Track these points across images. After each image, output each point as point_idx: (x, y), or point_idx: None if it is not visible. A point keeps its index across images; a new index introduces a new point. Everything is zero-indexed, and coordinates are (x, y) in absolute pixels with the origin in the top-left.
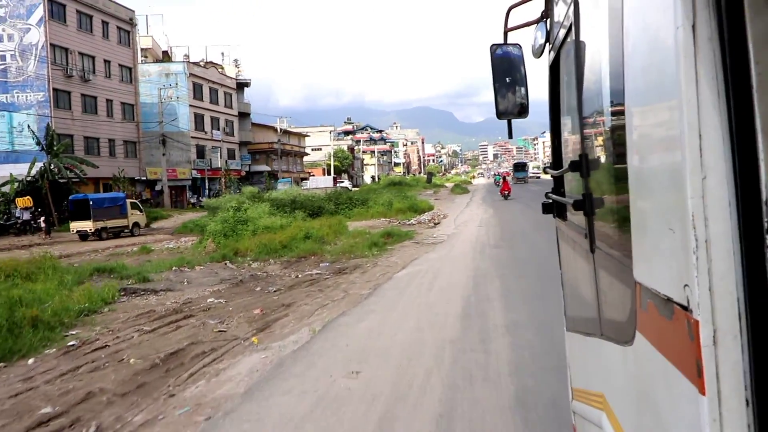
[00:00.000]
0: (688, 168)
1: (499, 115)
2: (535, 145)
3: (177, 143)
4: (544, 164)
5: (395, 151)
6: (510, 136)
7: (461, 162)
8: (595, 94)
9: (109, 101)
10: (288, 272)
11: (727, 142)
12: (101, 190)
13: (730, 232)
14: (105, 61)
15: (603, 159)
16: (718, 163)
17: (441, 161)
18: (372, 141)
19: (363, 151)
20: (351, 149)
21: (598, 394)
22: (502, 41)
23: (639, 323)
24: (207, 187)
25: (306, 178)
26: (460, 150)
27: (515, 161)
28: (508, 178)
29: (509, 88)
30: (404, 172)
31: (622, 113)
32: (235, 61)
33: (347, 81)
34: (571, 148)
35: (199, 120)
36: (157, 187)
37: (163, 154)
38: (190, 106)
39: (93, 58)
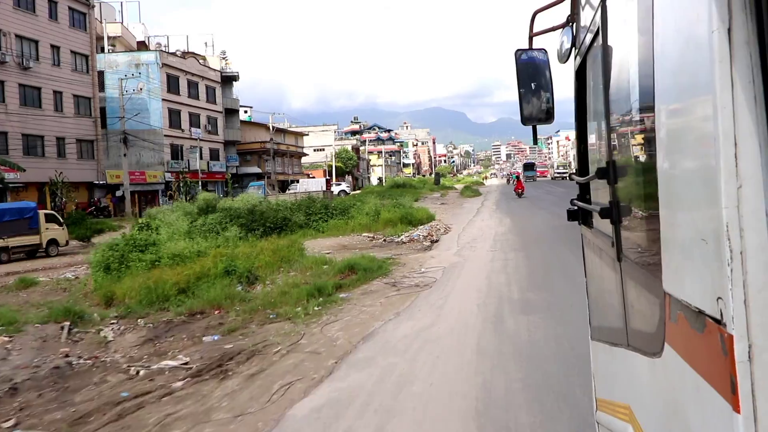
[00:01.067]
0: (723, 176)
1: (524, 120)
2: (548, 144)
3: (147, 142)
4: (560, 168)
5: (405, 152)
6: (535, 141)
7: (474, 162)
8: (624, 99)
9: (57, 93)
10: (130, 360)
11: (764, 149)
12: (46, 196)
13: (767, 244)
14: (52, 46)
15: (631, 166)
16: (755, 171)
17: (453, 162)
18: (380, 141)
19: (369, 152)
20: (356, 149)
21: (623, 406)
22: (526, 46)
23: (668, 335)
24: (184, 191)
25: (296, 181)
26: (473, 150)
27: (525, 162)
28: (521, 177)
29: (534, 94)
30: (414, 173)
31: (651, 119)
32: (222, 52)
33: (360, 83)
34: (597, 155)
35: (174, 116)
36: (118, 192)
37: (125, 155)
38: (164, 100)
39: (36, 42)
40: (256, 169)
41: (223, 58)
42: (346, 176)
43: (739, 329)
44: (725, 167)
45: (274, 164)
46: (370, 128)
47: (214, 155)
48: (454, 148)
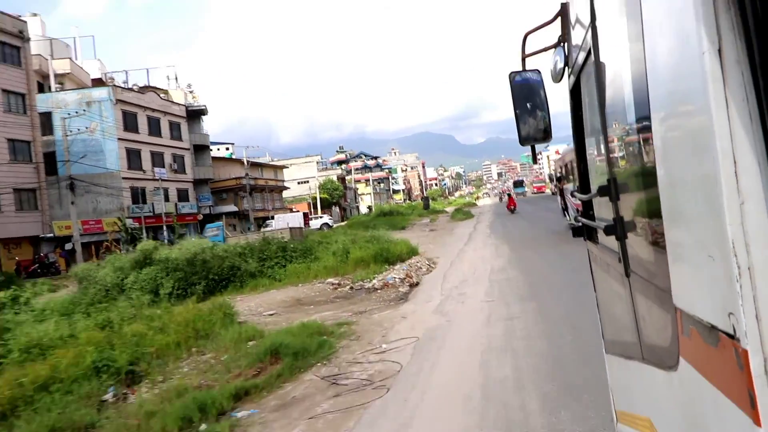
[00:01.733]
0: (725, 194)
1: (522, 141)
2: (539, 160)
3: (101, 187)
4: (553, 183)
5: (394, 178)
6: (534, 161)
7: (465, 183)
8: (620, 117)
9: None
10: None
11: (764, 165)
12: None
13: None
14: None
15: (632, 183)
16: (756, 187)
17: (444, 184)
18: (367, 169)
19: (357, 180)
20: (342, 179)
21: (644, 419)
22: (519, 68)
23: (682, 349)
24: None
25: (271, 217)
26: (464, 171)
27: (515, 180)
28: (512, 194)
29: (531, 114)
30: (405, 199)
31: (649, 137)
32: (188, 86)
33: (347, 113)
34: (598, 172)
35: (133, 156)
36: (68, 245)
37: (72, 202)
38: (121, 140)
39: None
40: (232, 208)
41: (190, 92)
42: (333, 207)
43: (753, 344)
44: (726, 185)
45: (252, 201)
46: (356, 156)
47: (182, 196)
48: (445, 171)
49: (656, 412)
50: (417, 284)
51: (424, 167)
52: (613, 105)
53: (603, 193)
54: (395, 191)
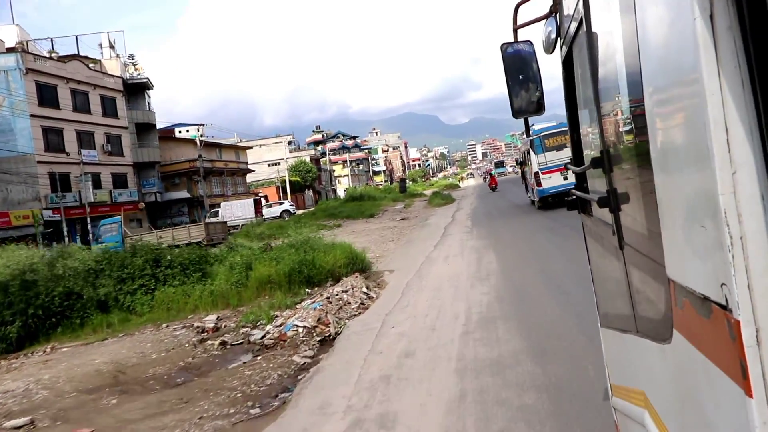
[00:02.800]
0: (717, 164)
1: (515, 113)
2: (523, 138)
3: (11, 175)
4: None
5: (374, 159)
6: (527, 134)
7: (450, 164)
8: (613, 88)
9: None
10: None
11: (756, 134)
12: None
13: (766, 228)
14: None
15: (625, 154)
16: (748, 157)
17: (428, 165)
18: (345, 149)
19: (334, 161)
20: (316, 160)
21: (638, 392)
22: (511, 39)
23: (676, 321)
24: (75, 230)
25: (217, 206)
26: (448, 152)
27: (495, 161)
28: (494, 173)
29: (523, 86)
30: (386, 181)
31: (641, 107)
32: (131, 56)
33: (331, 94)
34: (591, 144)
35: (53, 136)
36: None
37: None
38: (35, 116)
39: None
40: (184, 194)
41: (132, 63)
42: (306, 191)
43: (746, 314)
44: (718, 154)
45: (208, 186)
46: (333, 136)
47: (120, 182)
48: (429, 151)
49: (650, 385)
50: (332, 338)
51: (406, 147)
52: (606, 76)
53: (596, 165)
54: (376, 173)
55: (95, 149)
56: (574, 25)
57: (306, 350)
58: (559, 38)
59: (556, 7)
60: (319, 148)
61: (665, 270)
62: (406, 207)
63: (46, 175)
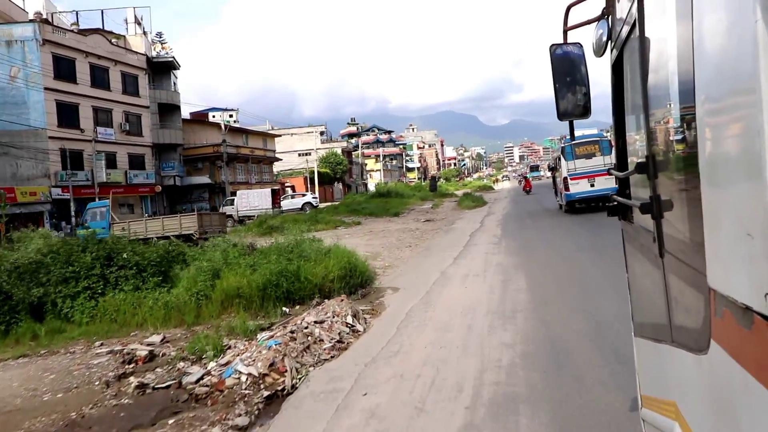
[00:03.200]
0: None
1: (560, 116)
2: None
3: (19, 149)
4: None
5: (408, 155)
6: (572, 137)
7: (486, 165)
8: (663, 92)
9: None
10: None
11: None
12: None
13: None
14: None
15: (672, 160)
16: None
17: (464, 164)
18: (379, 144)
19: (366, 155)
20: (348, 153)
21: (670, 403)
22: (561, 41)
23: (714, 332)
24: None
25: (233, 194)
26: (485, 152)
27: (531, 165)
28: (529, 177)
29: (570, 89)
30: (420, 178)
31: (692, 112)
32: (158, 34)
33: (370, 88)
34: (636, 149)
35: (67, 111)
36: None
37: None
38: (49, 90)
39: None
40: (205, 179)
41: (159, 41)
42: (336, 184)
43: None
44: None
45: (231, 172)
46: (368, 130)
47: (136, 163)
48: (465, 150)
49: (683, 396)
50: (288, 393)
51: (442, 145)
52: (657, 81)
53: (641, 171)
54: (409, 169)
55: (112, 127)
56: (626, 29)
57: (239, 414)
58: (609, 41)
59: (609, 10)
60: (353, 140)
61: (706, 279)
62: (434, 207)
63: (57, 152)
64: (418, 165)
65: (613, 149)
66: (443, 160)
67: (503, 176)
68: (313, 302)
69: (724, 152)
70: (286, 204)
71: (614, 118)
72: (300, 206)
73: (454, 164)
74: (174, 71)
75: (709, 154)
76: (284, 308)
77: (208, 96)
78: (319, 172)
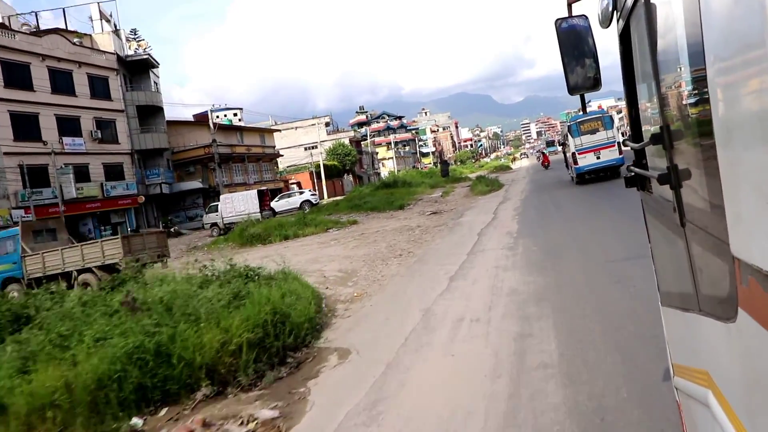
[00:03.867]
0: None
1: (571, 90)
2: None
3: None
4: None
5: (422, 140)
6: (584, 110)
7: (503, 144)
8: (673, 60)
9: None
10: None
11: None
12: None
13: None
14: None
15: (686, 128)
16: None
17: (480, 145)
18: (390, 130)
19: (377, 143)
20: (356, 142)
21: (701, 372)
22: (566, 14)
23: (741, 300)
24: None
25: (214, 201)
26: (501, 131)
27: (547, 140)
28: (546, 152)
29: (578, 62)
30: (435, 162)
31: (703, 80)
32: (133, 31)
33: (382, 76)
34: (650, 119)
35: (25, 123)
36: None
37: None
38: (1, 100)
39: None
40: (196, 184)
41: (135, 38)
42: (345, 176)
43: None
44: None
45: (225, 173)
46: (378, 117)
47: (113, 173)
48: (481, 131)
49: (714, 365)
50: None
51: (457, 127)
52: (665, 48)
53: (656, 141)
54: (424, 155)
55: (81, 136)
56: None
57: None
58: (615, 11)
59: None
60: (363, 129)
61: (729, 247)
62: (443, 195)
63: (15, 168)
64: (433, 149)
65: (619, 121)
66: (459, 143)
67: (521, 154)
68: (196, 396)
69: (738, 118)
70: (282, 204)
71: (625, 89)
72: (298, 205)
73: (471, 146)
74: (153, 70)
75: (722, 121)
76: (135, 418)
77: (221, 97)
78: (326, 166)
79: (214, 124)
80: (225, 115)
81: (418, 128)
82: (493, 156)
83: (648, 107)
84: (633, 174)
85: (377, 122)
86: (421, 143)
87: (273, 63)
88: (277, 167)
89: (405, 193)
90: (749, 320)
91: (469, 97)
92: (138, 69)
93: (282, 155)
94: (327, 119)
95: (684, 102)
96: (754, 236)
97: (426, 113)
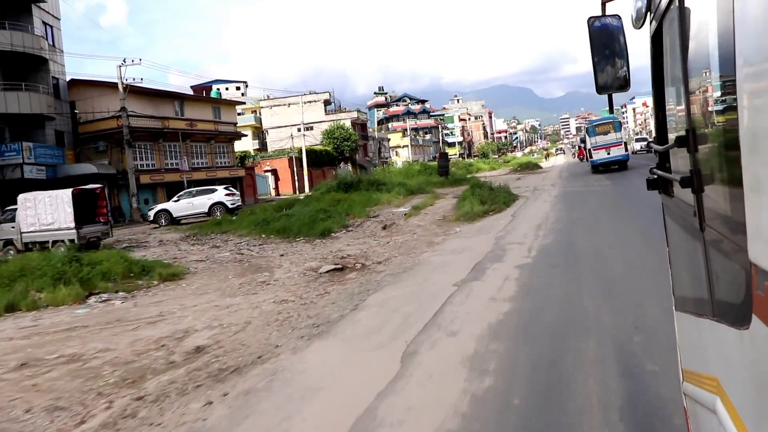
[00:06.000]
0: None
1: (599, 89)
2: (623, 113)
3: None
4: (648, 139)
5: (448, 128)
6: (611, 111)
7: (541, 137)
8: (703, 64)
9: None
10: None
11: None
12: None
13: None
14: None
15: (712, 133)
16: None
17: (516, 138)
18: (410, 115)
19: (393, 128)
20: (361, 125)
21: (711, 378)
22: (599, 13)
23: (755, 306)
24: None
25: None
26: (539, 125)
27: (581, 137)
28: (582, 146)
29: (609, 61)
30: (462, 154)
31: (732, 84)
32: None
33: (423, 65)
34: (676, 122)
35: None
36: None
37: None
38: None
39: None
40: (91, 168)
41: None
42: (343, 164)
43: None
44: None
45: (158, 155)
46: (398, 99)
47: None
48: (518, 123)
49: (725, 372)
50: None
51: (490, 117)
52: (697, 53)
53: (681, 144)
54: (449, 144)
55: None
56: (665, 0)
57: None
58: (649, 12)
59: None
60: (381, 111)
61: (747, 253)
62: (407, 216)
63: None
64: (461, 139)
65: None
66: (491, 133)
67: (557, 149)
68: None
69: (765, 121)
70: (183, 207)
71: (654, 91)
72: (207, 209)
73: (505, 137)
74: (39, 4)
75: (748, 126)
76: None
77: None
78: (315, 152)
79: (125, 87)
80: (227, 88)
81: (443, 115)
82: (527, 150)
83: (675, 110)
84: (656, 177)
85: (397, 105)
86: (447, 132)
87: (314, 47)
88: (246, 151)
89: (360, 202)
90: (762, 327)
91: (510, 90)
92: (14, 4)
93: (246, 135)
94: (326, 96)
95: (711, 107)
96: None
97: (458, 101)
